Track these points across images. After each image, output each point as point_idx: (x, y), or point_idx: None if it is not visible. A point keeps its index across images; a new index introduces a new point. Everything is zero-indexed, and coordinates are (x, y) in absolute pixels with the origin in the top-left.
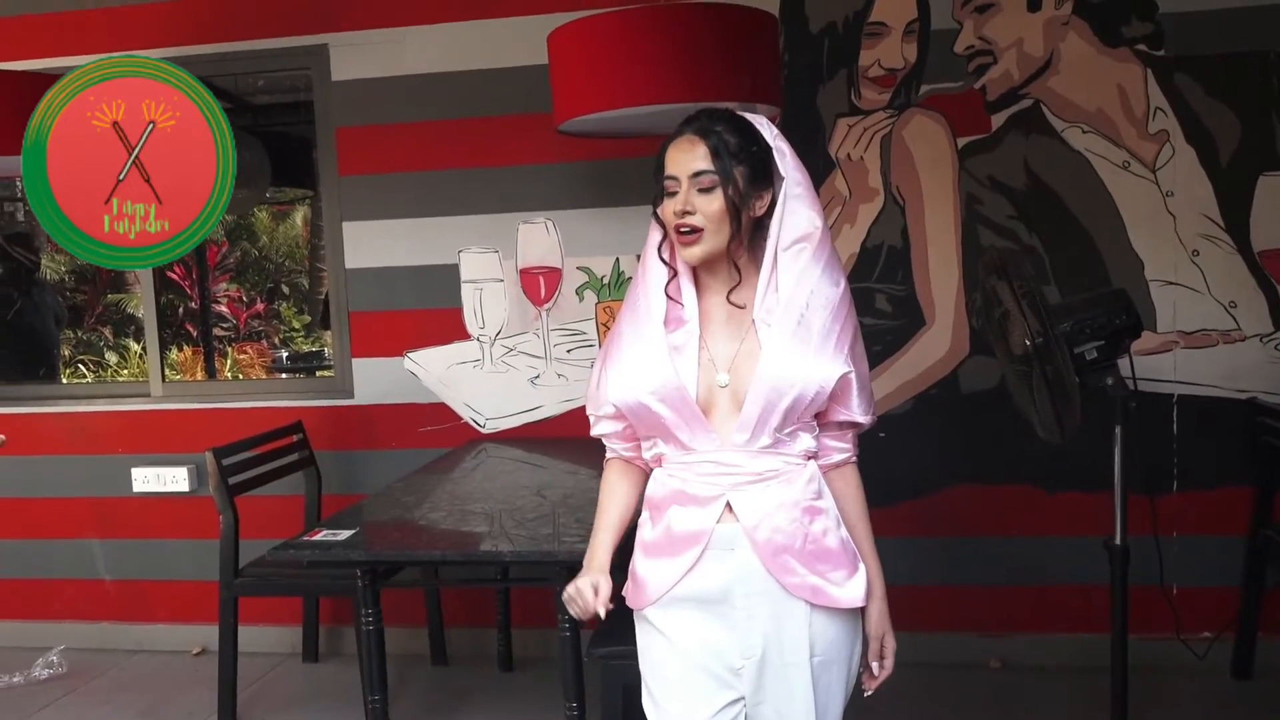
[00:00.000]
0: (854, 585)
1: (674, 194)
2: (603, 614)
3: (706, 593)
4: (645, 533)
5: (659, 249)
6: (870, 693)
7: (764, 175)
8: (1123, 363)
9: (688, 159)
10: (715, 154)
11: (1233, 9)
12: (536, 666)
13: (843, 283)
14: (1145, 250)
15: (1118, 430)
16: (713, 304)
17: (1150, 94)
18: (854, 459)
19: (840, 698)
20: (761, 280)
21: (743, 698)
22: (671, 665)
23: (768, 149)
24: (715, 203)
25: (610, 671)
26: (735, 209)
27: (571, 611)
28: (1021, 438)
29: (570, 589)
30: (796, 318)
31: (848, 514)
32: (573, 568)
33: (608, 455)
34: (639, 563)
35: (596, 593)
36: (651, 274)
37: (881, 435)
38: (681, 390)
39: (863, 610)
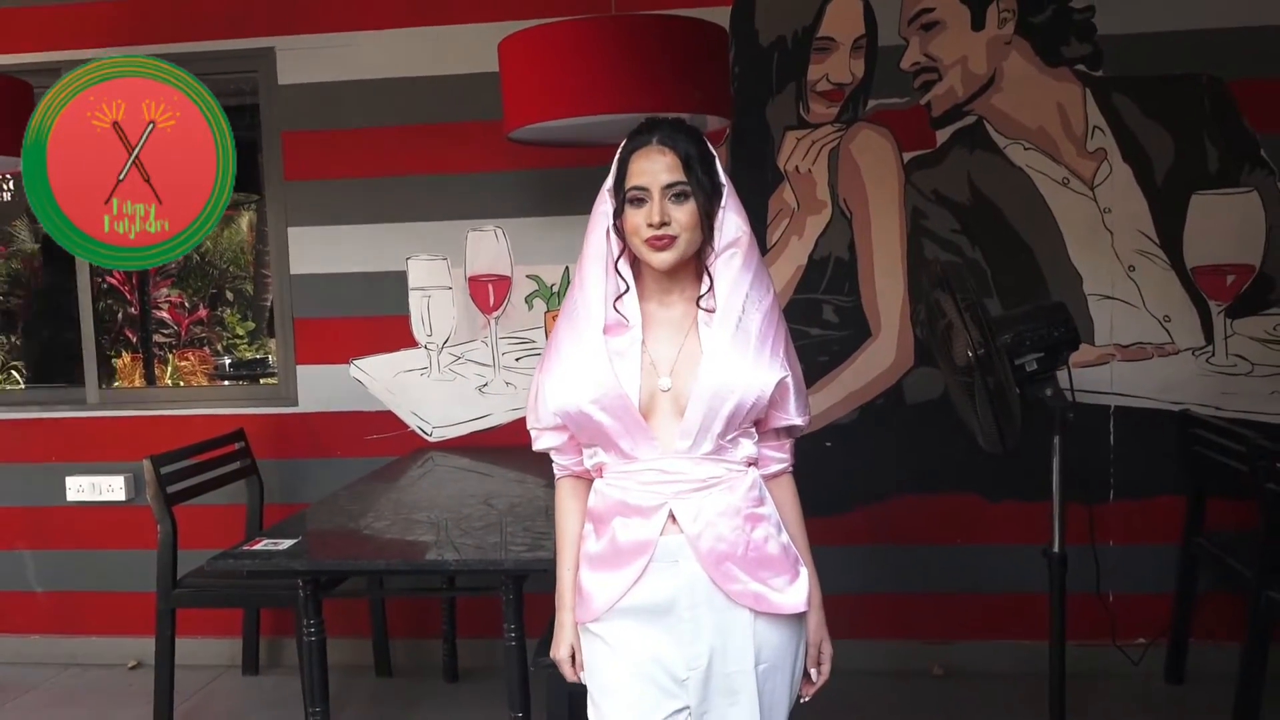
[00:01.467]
0: (796, 590)
1: (642, 204)
2: (583, 678)
3: (652, 604)
4: (590, 545)
5: (616, 264)
6: (807, 699)
7: (716, 182)
8: (1061, 374)
9: (658, 170)
10: (686, 164)
11: (1168, 32)
12: (482, 677)
13: (771, 287)
14: (1084, 265)
15: (1056, 440)
16: (653, 308)
17: (1089, 113)
18: (791, 468)
19: (785, 703)
20: (704, 285)
21: (688, 707)
22: (614, 675)
23: (712, 156)
24: (688, 212)
25: (556, 681)
26: (708, 216)
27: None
28: (965, 447)
29: (555, 656)
30: (735, 321)
31: (786, 523)
32: (519, 578)
33: (557, 475)
34: (584, 576)
35: (574, 659)
36: (590, 282)
37: (828, 445)
38: (624, 399)
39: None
